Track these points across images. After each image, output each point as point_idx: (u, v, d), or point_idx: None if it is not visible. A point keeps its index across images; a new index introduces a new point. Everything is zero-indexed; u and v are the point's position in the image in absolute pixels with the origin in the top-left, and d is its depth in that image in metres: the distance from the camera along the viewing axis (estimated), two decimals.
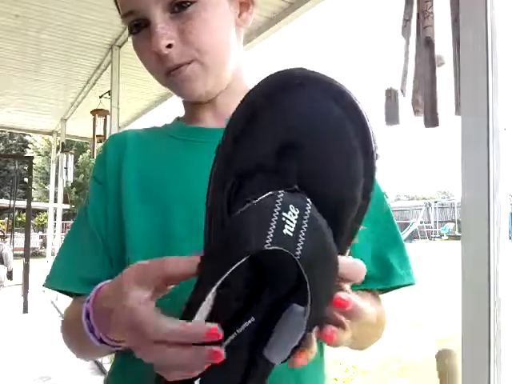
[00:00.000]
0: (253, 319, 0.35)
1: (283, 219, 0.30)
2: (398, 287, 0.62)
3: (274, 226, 0.30)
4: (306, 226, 0.30)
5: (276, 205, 0.30)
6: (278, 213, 0.30)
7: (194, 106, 0.67)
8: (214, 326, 0.33)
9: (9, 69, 4.41)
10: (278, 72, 0.33)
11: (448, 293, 7.07)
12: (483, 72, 1.07)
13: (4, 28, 3.51)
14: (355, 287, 0.58)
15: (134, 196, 0.61)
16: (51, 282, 0.63)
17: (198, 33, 0.57)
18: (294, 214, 0.30)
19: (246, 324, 0.35)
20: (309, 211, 0.31)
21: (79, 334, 0.50)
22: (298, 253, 0.30)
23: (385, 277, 0.61)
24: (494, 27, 1.08)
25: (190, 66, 0.59)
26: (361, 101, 0.33)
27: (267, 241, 0.29)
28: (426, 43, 1.29)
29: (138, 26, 0.59)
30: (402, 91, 1.34)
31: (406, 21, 1.34)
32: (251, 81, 0.69)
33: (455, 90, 1.19)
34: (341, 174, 0.33)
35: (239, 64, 0.66)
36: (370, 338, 0.62)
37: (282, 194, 0.31)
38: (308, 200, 0.31)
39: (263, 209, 0.30)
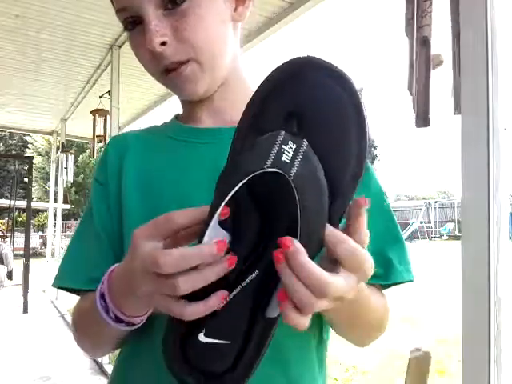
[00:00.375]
0: (257, 272, 0.40)
1: (282, 150, 0.37)
2: (397, 284, 0.61)
3: (274, 154, 0.36)
4: (301, 157, 0.37)
5: (277, 139, 0.37)
6: (278, 145, 0.37)
7: (191, 104, 0.67)
8: (221, 239, 0.38)
9: (9, 69, 4.41)
10: (289, 60, 0.40)
11: (448, 292, 7.07)
12: (483, 72, 1.07)
13: (4, 28, 3.51)
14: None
15: (133, 197, 0.61)
16: (59, 282, 0.64)
17: (192, 30, 0.57)
18: (291, 148, 0.37)
19: (250, 277, 0.40)
20: (304, 147, 0.37)
21: (92, 324, 0.53)
22: (291, 174, 0.36)
23: (384, 273, 0.60)
24: (494, 27, 1.08)
25: (188, 68, 0.58)
26: (355, 81, 0.40)
27: (267, 163, 0.36)
28: (423, 42, 1.29)
29: (133, 23, 0.58)
30: (409, 90, 1.33)
31: (409, 19, 1.34)
32: (249, 75, 0.68)
33: (454, 90, 1.19)
34: (337, 137, 0.39)
35: (236, 58, 0.65)
36: (366, 328, 0.61)
37: (284, 133, 0.37)
38: (305, 140, 0.38)
39: (267, 142, 0.37)
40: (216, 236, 0.38)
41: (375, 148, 37.88)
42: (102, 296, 0.47)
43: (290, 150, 0.37)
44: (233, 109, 0.64)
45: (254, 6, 0.66)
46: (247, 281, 0.40)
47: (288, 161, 0.36)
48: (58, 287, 0.65)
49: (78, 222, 0.70)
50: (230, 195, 0.37)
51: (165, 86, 0.63)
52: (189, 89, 0.61)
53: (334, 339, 0.67)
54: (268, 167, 0.36)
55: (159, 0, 0.56)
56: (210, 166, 0.57)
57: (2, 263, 6.31)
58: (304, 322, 0.37)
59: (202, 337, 0.41)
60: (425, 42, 1.28)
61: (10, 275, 6.46)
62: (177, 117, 0.71)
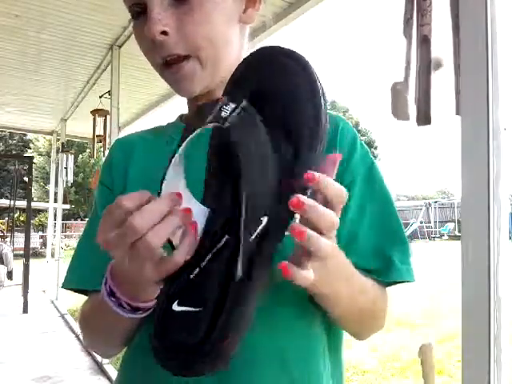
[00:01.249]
0: (226, 237, 0.43)
1: (222, 109, 0.42)
2: (397, 282, 0.61)
3: (215, 112, 0.41)
4: (238, 111, 0.42)
5: (220, 103, 0.42)
6: (219, 106, 0.42)
7: (193, 104, 0.66)
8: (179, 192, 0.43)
9: (9, 69, 4.41)
10: (260, 47, 0.48)
11: (448, 292, 7.07)
12: (483, 72, 1.07)
13: (4, 28, 3.51)
14: None
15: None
16: (69, 284, 0.66)
17: (196, 25, 0.56)
18: (231, 106, 0.42)
19: (219, 245, 0.43)
20: (243, 104, 0.43)
21: (103, 320, 0.55)
22: (226, 124, 0.41)
23: (384, 270, 0.60)
24: (494, 27, 1.08)
25: (189, 64, 0.58)
26: (310, 62, 0.46)
27: (209, 119, 0.41)
28: (423, 41, 1.29)
29: (139, 13, 0.58)
30: (406, 89, 1.33)
31: (408, 19, 1.34)
32: None
33: (455, 90, 1.19)
34: (292, 98, 0.45)
35: (241, 58, 0.65)
36: (362, 316, 0.60)
37: (226, 97, 0.43)
38: (245, 101, 0.43)
39: (214, 106, 0.42)
40: (193, 208, 0.44)
41: (375, 148, 37.87)
42: (111, 292, 0.48)
43: (229, 108, 0.42)
44: None
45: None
46: (218, 247, 0.43)
47: (226, 115, 0.41)
48: (68, 289, 0.66)
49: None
50: (180, 152, 0.43)
51: (163, 79, 0.62)
52: (185, 86, 0.60)
53: None
54: (209, 122, 0.41)
55: None
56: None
57: (2, 263, 6.31)
58: (308, 274, 0.41)
59: (175, 306, 0.43)
60: (425, 41, 1.28)
61: (9, 275, 6.46)
62: (181, 117, 0.71)
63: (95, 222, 0.65)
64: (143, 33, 0.56)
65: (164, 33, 0.55)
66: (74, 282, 0.66)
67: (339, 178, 0.57)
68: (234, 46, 0.61)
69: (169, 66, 0.58)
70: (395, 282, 0.61)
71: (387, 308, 0.64)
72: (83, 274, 0.64)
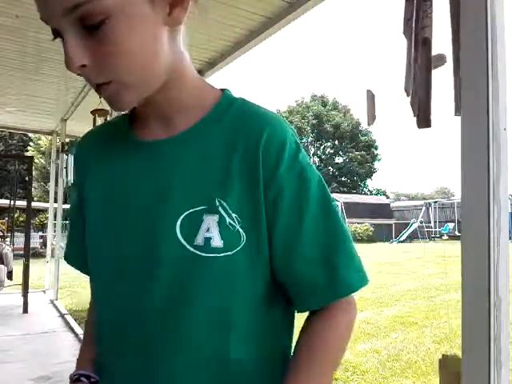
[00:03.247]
0: None
1: None
2: (349, 294, 0.62)
3: None
4: None
5: None
6: None
7: (139, 110, 0.68)
8: None
9: (9, 69, 4.41)
10: None
11: (447, 293, 7.07)
12: (483, 72, 1.07)
13: (4, 28, 3.51)
14: (312, 304, 0.62)
15: (91, 204, 0.69)
16: (66, 260, 0.79)
17: (111, 57, 0.54)
18: None
19: None
20: None
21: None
22: None
23: (333, 285, 0.61)
24: (494, 27, 1.08)
25: (110, 88, 0.57)
26: None
27: None
28: (424, 44, 1.29)
29: (57, 33, 0.55)
30: (405, 91, 1.33)
31: (408, 20, 1.34)
32: (193, 71, 0.67)
33: (455, 91, 1.19)
34: None
35: (176, 60, 0.62)
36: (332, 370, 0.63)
37: None
38: None
39: None
40: None
41: (376, 148, 37.87)
42: None
43: None
44: (180, 112, 0.64)
45: (196, 6, 0.61)
46: None
47: None
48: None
49: None
50: None
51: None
52: (115, 105, 0.61)
53: None
54: None
55: (75, 19, 0.52)
56: (145, 182, 0.63)
57: (2, 263, 6.31)
58: None
59: None
60: (425, 44, 1.28)
61: (9, 275, 6.46)
62: (130, 119, 0.71)
63: (72, 220, 0.77)
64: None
65: (83, 65, 0.55)
66: (67, 259, 0.79)
67: (266, 187, 0.59)
68: (165, 53, 0.59)
69: (97, 87, 0.58)
70: (348, 294, 0.62)
71: (350, 330, 0.64)
72: (70, 255, 0.78)
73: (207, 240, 0.58)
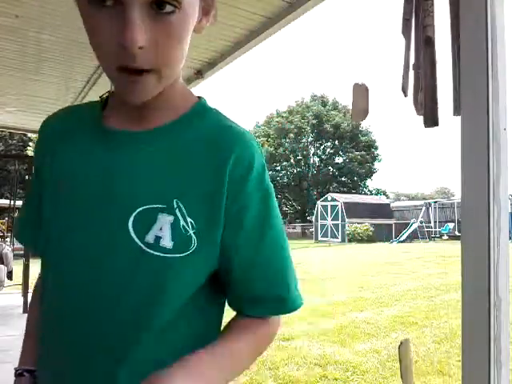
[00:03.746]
0: None
1: None
2: (294, 311, 0.66)
3: None
4: None
5: None
6: None
7: (117, 99, 0.67)
8: None
9: (9, 69, 4.41)
10: None
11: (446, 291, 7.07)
12: (483, 72, 1.07)
13: (4, 28, 3.51)
14: (250, 311, 0.65)
15: (47, 188, 0.68)
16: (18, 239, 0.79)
17: (170, 47, 0.55)
18: None
19: None
20: None
21: None
22: None
23: (285, 299, 0.65)
24: (494, 27, 1.08)
25: (148, 77, 0.56)
26: None
27: None
28: (426, 42, 1.29)
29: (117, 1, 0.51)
30: (403, 91, 1.33)
31: (407, 20, 1.34)
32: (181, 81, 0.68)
33: (454, 91, 1.19)
34: None
35: None
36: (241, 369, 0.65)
37: None
38: None
39: None
40: None
41: (376, 148, 37.87)
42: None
43: None
44: (160, 109, 0.64)
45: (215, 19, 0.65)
46: None
47: None
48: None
49: None
50: None
51: (109, 78, 0.59)
52: (138, 96, 0.58)
53: (333, 339, 0.67)
54: None
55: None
56: (107, 169, 0.62)
57: (2, 263, 6.31)
58: None
59: None
60: (428, 42, 1.28)
61: (10, 275, 6.46)
62: (107, 98, 0.71)
63: (30, 192, 0.75)
64: (107, 28, 0.52)
65: (140, 47, 0.52)
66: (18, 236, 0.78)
67: (230, 202, 0.60)
68: (185, 53, 0.60)
69: (129, 72, 0.55)
70: (288, 311, 0.66)
71: (270, 340, 0.69)
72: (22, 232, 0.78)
73: (157, 238, 0.58)
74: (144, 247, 0.58)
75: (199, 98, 0.69)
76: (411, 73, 1.33)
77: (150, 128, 0.63)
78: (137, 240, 0.58)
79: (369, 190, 38.47)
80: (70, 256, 0.62)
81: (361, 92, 1.45)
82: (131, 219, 0.59)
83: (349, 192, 33.46)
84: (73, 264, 0.61)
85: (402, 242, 20.24)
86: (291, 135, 36.34)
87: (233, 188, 0.60)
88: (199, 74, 3.81)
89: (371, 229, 22.53)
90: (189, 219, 0.59)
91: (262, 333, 0.67)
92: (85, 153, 0.65)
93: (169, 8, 0.52)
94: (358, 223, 23.11)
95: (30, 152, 23.51)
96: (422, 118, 1.30)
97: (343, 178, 37.36)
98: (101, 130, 0.66)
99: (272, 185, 0.66)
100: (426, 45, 1.29)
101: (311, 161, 37.83)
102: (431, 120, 1.28)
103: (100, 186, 0.62)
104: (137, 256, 0.58)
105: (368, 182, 38.73)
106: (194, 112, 0.66)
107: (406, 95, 1.33)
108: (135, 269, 0.59)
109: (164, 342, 0.60)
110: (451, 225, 20.31)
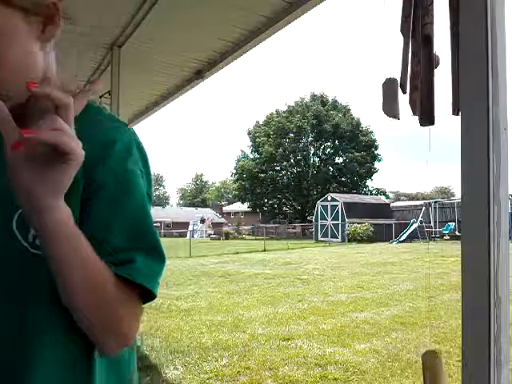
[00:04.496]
0: None
1: None
2: (136, 285, 0.61)
3: None
4: None
5: None
6: None
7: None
8: None
9: None
10: None
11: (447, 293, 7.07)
12: (483, 71, 1.07)
13: None
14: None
15: None
16: None
17: None
18: None
19: None
20: None
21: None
22: None
23: (124, 265, 0.61)
24: (494, 27, 1.08)
25: None
26: None
27: None
28: (425, 41, 1.29)
29: None
30: (401, 89, 1.33)
31: (406, 18, 1.34)
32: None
33: (453, 91, 1.19)
34: None
35: (47, 71, 0.65)
36: (99, 306, 0.60)
37: None
38: None
39: None
40: None
41: (376, 148, 37.86)
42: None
43: None
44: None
45: (64, 21, 0.66)
46: None
47: None
48: None
49: None
50: None
51: None
52: None
53: (333, 339, 0.67)
54: None
55: None
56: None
57: None
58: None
59: None
60: (427, 41, 1.28)
61: None
62: None
63: None
64: None
65: None
66: None
67: (88, 183, 0.61)
68: (36, 66, 0.62)
69: None
70: (135, 284, 0.61)
71: (131, 315, 0.64)
72: None
73: (35, 237, 0.60)
74: (28, 246, 0.61)
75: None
76: (409, 71, 1.33)
77: None
78: (21, 239, 0.61)
79: (369, 190, 38.46)
80: None
81: (392, 87, 1.39)
82: (15, 220, 0.61)
83: (349, 192, 33.45)
84: None
85: (402, 241, 20.25)
86: (291, 135, 36.35)
87: (92, 166, 0.61)
88: (199, 74, 3.81)
89: (371, 229, 22.54)
90: None
91: (120, 294, 0.62)
92: None
93: None
94: (357, 223, 23.11)
95: None
96: (417, 117, 1.30)
97: (343, 178, 37.35)
98: None
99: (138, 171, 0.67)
100: (424, 43, 1.28)
101: (311, 161, 37.82)
102: (427, 119, 1.28)
103: None
104: (22, 255, 0.61)
105: (368, 182, 38.75)
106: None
107: (404, 92, 1.33)
108: (23, 268, 0.61)
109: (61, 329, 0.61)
110: (453, 224, 20.31)
